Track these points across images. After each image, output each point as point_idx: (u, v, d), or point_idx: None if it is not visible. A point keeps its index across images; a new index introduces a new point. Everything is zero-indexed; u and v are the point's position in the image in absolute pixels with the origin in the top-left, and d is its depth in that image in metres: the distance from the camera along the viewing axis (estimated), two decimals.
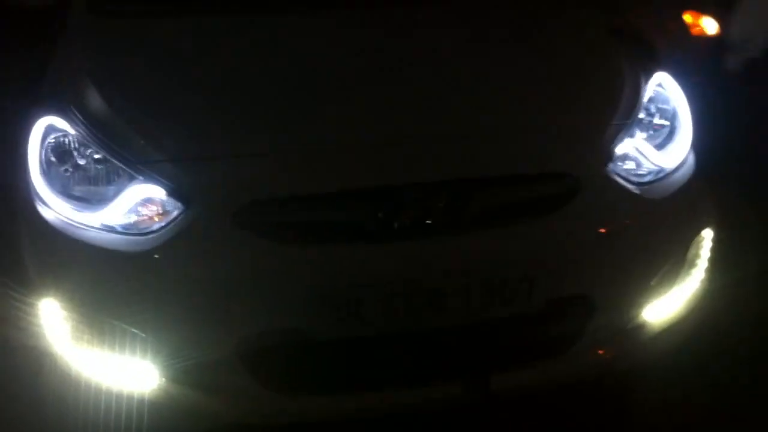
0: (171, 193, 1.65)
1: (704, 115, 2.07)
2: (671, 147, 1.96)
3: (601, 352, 1.85)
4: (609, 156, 1.82)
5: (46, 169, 1.76)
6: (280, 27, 2.13)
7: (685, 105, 2.03)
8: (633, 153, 1.88)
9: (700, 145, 2.01)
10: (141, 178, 1.67)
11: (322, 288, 1.59)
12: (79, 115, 1.79)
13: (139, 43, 2.09)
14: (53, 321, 1.70)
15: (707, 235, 1.96)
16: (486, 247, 1.66)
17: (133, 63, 1.98)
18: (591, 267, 1.76)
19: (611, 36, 2.25)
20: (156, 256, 1.62)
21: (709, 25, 3.90)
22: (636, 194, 1.82)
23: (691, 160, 1.99)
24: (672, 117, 2.00)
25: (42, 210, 1.73)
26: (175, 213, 1.65)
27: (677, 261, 1.89)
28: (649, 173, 1.89)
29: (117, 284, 1.64)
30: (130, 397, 1.69)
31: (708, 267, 1.97)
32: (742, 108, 3.24)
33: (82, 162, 1.76)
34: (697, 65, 3.42)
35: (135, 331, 1.63)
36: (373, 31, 2.13)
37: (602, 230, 1.76)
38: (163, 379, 1.67)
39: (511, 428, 2.07)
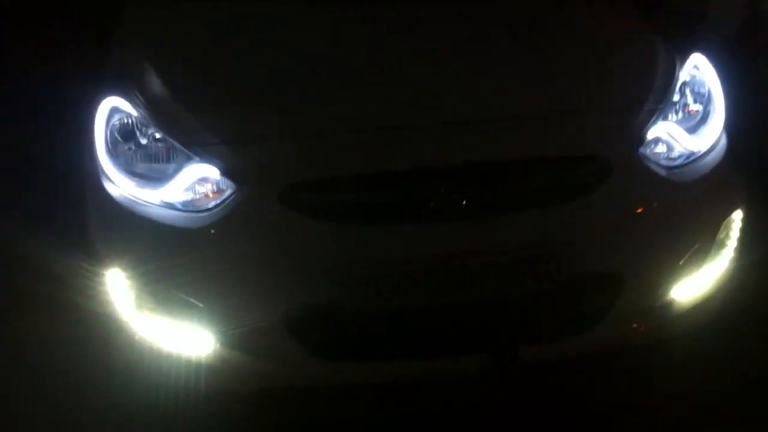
0: (224, 173, 1.77)
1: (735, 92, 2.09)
2: (704, 130, 2.00)
3: (628, 327, 1.92)
4: (641, 139, 1.87)
5: (111, 148, 1.89)
6: (327, 13, 2.23)
7: (719, 88, 2.06)
8: (665, 137, 1.93)
9: (731, 128, 2.05)
10: (197, 158, 1.80)
11: (360, 263, 1.70)
12: (140, 97, 1.91)
13: (194, 27, 2.21)
14: (119, 290, 1.85)
15: (737, 216, 2.00)
16: (517, 228, 1.74)
17: (188, 47, 2.11)
18: (620, 246, 1.82)
19: (647, 16, 2.28)
20: (211, 231, 1.74)
21: None
22: (666, 177, 1.88)
23: (723, 142, 2.03)
24: (706, 101, 2.03)
25: (107, 186, 1.87)
26: (228, 192, 1.77)
27: (706, 242, 1.94)
28: (680, 156, 1.94)
29: (176, 257, 1.77)
30: (188, 361, 1.83)
31: (737, 248, 2.02)
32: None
33: (143, 141, 1.88)
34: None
35: (192, 300, 1.76)
36: (412, 16, 2.21)
37: (632, 212, 1.83)
38: (218, 344, 1.80)
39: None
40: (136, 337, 1.87)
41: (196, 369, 1.84)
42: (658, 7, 2.41)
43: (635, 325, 1.93)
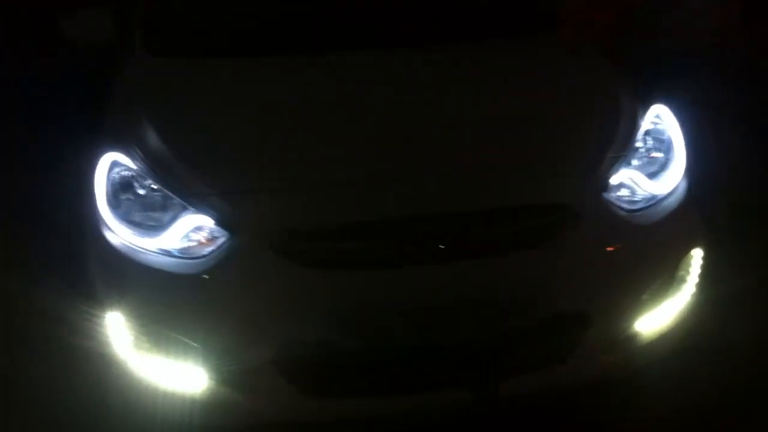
0: (218, 222, 1.89)
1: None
2: (665, 175, 2.14)
3: (597, 360, 2.04)
4: (605, 186, 2.02)
5: (111, 199, 2.02)
6: (314, 70, 2.38)
7: (680, 136, 2.21)
8: (628, 182, 2.07)
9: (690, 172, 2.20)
10: (192, 208, 1.92)
11: (347, 307, 1.83)
12: (139, 152, 2.04)
13: (190, 83, 2.36)
14: (117, 331, 1.96)
15: (696, 254, 2.14)
16: (493, 271, 1.88)
17: (183, 104, 2.25)
18: (589, 285, 1.96)
19: (610, 70, 2.45)
20: (206, 277, 1.87)
21: None
22: (630, 220, 2.02)
23: (683, 186, 2.18)
24: (667, 148, 2.18)
25: (107, 234, 1.99)
26: (222, 240, 1.89)
27: (668, 278, 2.08)
28: (643, 200, 2.09)
29: (172, 301, 1.89)
30: (183, 398, 1.94)
31: (696, 283, 2.16)
32: None
33: (142, 192, 2.00)
34: None
35: (188, 340, 1.88)
36: (390, 72, 2.37)
37: (599, 253, 1.97)
38: (212, 382, 1.91)
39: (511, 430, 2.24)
40: (133, 376, 1.97)
41: (191, 406, 1.94)
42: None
43: (604, 358, 2.06)
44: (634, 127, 2.16)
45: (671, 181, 2.15)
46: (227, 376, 1.89)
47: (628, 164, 2.10)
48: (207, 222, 1.91)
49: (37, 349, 2.57)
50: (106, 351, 2.00)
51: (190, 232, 1.93)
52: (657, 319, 2.10)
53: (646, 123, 2.20)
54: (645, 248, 2.03)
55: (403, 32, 2.65)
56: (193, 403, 1.95)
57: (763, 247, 3.11)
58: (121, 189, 2.02)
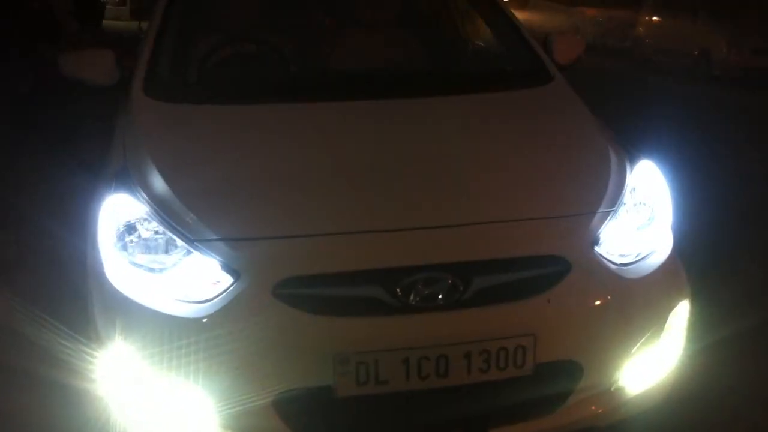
0: (222, 267, 1.94)
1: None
2: (651, 229, 2.23)
3: (586, 409, 2.10)
4: (596, 239, 2.10)
5: (114, 240, 2.05)
6: (317, 118, 2.46)
7: (666, 191, 2.31)
8: (617, 236, 2.15)
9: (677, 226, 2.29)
10: (197, 253, 1.97)
11: (346, 353, 1.87)
12: (144, 195, 2.08)
13: (194, 127, 2.42)
14: (118, 372, 1.98)
15: (683, 307, 2.22)
16: (488, 320, 1.94)
17: (188, 148, 2.30)
18: (580, 336, 2.03)
19: (600, 125, 2.55)
20: (207, 321, 1.90)
21: None
22: (619, 273, 2.10)
23: (670, 240, 2.27)
24: (653, 203, 2.27)
25: (110, 276, 2.03)
26: (226, 284, 1.93)
27: (656, 330, 2.15)
28: (631, 254, 2.16)
29: (173, 343, 1.91)
30: None
31: (684, 335, 2.24)
32: None
33: (145, 235, 2.04)
34: None
35: (188, 382, 1.90)
36: (390, 124, 2.46)
37: (589, 305, 2.04)
38: (211, 424, 1.93)
39: None
40: (133, 417, 1.99)
41: None
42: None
43: (594, 407, 2.12)
44: (623, 183, 2.24)
45: (658, 234, 2.24)
46: (227, 419, 1.92)
47: (617, 218, 2.18)
48: (211, 266, 1.95)
49: (34, 388, 2.58)
50: (106, 391, 2.02)
51: (193, 275, 1.97)
52: (645, 369, 2.16)
53: (634, 179, 2.28)
54: (634, 300, 2.10)
55: (400, 84, 2.76)
56: None
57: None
58: (124, 231, 2.06)
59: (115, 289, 2.00)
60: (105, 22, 14.41)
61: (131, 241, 2.05)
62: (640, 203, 2.25)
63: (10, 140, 5.06)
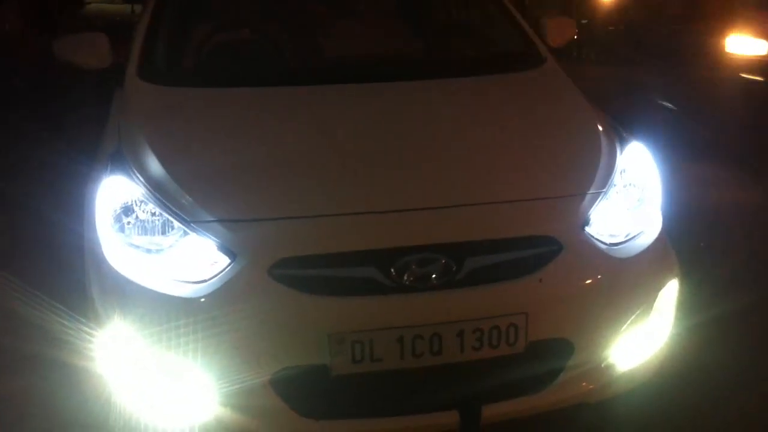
0: (219, 248, 1.97)
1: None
2: (641, 210, 2.27)
3: (577, 386, 2.15)
4: (587, 220, 2.13)
5: (112, 222, 2.08)
6: (312, 101, 2.48)
7: (656, 172, 2.34)
8: (607, 217, 2.18)
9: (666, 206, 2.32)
10: (193, 234, 1.99)
11: (341, 332, 1.91)
12: (140, 177, 2.11)
13: (190, 109, 2.44)
14: (117, 352, 2.01)
15: (672, 286, 2.26)
16: (480, 300, 1.97)
17: (185, 129, 2.32)
18: (571, 315, 2.07)
19: (591, 107, 2.58)
20: (205, 301, 1.93)
21: None
22: (609, 253, 2.13)
23: (659, 220, 2.31)
24: (643, 183, 2.31)
25: (108, 257, 2.05)
26: (223, 265, 1.96)
27: (646, 309, 2.19)
28: (621, 234, 2.20)
29: (172, 322, 1.94)
30: (181, 417, 2.00)
31: (673, 313, 2.28)
32: None
33: (142, 216, 2.06)
34: None
35: (186, 360, 1.93)
36: (384, 105, 2.48)
37: (579, 284, 2.08)
38: (210, 401, 1.97)
39: None
40: (132, 396, 2.02)
41: (189, 425, 2.00)
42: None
43: (584, 384, 2.16)
44: (613, 164, 2.28)
45: (648, 214, 2.27)
46: (226, 397, 1.95)
47: (608, 200, 2.21)
48: (208, 247, 1.98)
49: (34, 369, 2.61)
50: (105, 371, 2.05)
51: (190, 256, 2.00)
52: (635, 347, 2.20)
53: (624, 160, 2.32)
54: (624, 280, 2.14)
55: (393, 67, 2.78)
56: (192, 423, 2.00)
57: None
58: (121, 212, 2.08)
59: (113, 269, 2.03)
60: (94, 6, 14.15)
61: (128, 223, 2.08)
62: (630, 184, 2.28)
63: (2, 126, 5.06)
